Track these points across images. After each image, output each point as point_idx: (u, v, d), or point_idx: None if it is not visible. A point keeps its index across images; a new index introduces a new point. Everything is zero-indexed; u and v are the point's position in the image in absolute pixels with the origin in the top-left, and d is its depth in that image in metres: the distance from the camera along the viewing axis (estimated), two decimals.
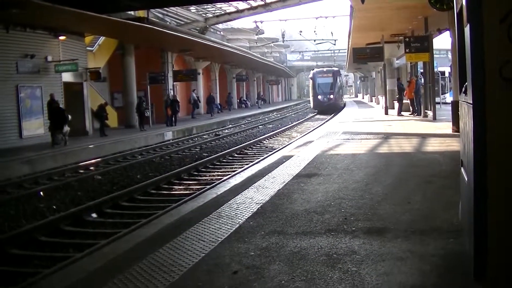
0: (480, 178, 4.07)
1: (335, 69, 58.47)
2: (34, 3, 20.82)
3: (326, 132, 21.26)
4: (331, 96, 53.00)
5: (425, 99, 28.79)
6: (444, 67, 47.50)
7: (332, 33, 60.10)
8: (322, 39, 62.04)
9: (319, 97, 53.44)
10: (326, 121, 35.86)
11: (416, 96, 30.30)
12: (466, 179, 4.71)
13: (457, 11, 5.16)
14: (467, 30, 4.23)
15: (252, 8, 42.08)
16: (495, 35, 3.94)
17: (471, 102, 4.10)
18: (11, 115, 24.85)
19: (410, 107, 31.55)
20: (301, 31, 58.67)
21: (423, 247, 5.71)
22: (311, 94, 56.53)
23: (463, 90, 4.95)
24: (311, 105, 56.29)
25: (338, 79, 55.33)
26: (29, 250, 9.77)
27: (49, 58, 27.44)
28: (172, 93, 39.69)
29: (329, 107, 51.12)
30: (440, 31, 25.88)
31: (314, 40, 61.52)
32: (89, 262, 5.99)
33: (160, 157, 22.77)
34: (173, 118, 36.12)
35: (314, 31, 54.90)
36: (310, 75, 58.03)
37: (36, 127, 26.28)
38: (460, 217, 5.88)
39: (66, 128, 24.82)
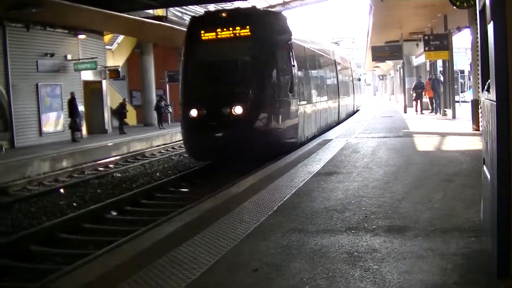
0: (504, 176, 4.04)
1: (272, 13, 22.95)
2: (54, 2, 20.97)
3: (344, 131, 21.19)
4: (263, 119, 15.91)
5: (445, 98, 28.62)
6: (461, 65, 46.94)
7: (350, 32, 57.52)
8: (341, 38, 61.14)
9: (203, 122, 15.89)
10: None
11: (435, 95, 30.17)
12: (488, 177, 4.68)
13: (479, 8, 5.13)
14: (490, 27, 4.20)
15: (270, 6, 42.04)
16: None
17: (495, 100, 4.07)
18: (31, 113, 25.06)
19: (430, 106, 31.42)
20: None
21: (444, 245, 5.67)
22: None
23: (485, 88, 4.91)
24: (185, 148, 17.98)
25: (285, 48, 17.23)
26: (49, 247, 9.84)
27: (69, 57, 27.63)
28: None
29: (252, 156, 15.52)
30: (459, 29, 25.70)
31: (333, 38, 59.55)
32: (109, 259, 6.00)
33: (179, 155, 22.84)
34: None
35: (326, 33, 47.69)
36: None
37: (55, 125, 26.47)
38: (481, 216, 5.84)
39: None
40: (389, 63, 48.49)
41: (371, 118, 29.19)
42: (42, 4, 20.74)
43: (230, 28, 15.94)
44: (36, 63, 25.44)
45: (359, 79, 47.46)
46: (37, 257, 9.38)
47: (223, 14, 16.60)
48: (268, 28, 16.71)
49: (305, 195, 8.70)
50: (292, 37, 17.32)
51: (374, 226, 6.60)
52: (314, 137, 19.19)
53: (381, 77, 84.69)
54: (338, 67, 29.15)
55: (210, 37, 16.15)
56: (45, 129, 25.69)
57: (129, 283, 4.99)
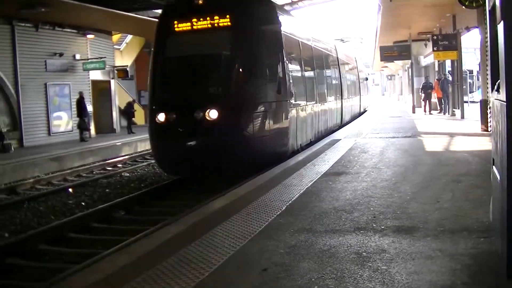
0: None
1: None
2: (63, 2, 21.03)
3: (353, 131, 21.17)
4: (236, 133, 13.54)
5: (453, 98, 28.54)
6: (470, 65, 46.72)
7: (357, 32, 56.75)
8: (349, 37, 60.86)
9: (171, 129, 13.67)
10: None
11: (444, 95, 30.11)
12: (498, 178, 4.66)
13: (489, 8, 5.12)
14: (500, 27, 4.19)
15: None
16: None
17: (505, 100, 4.06)
18: (40, 112, 25.21)
19: (438, 106, 31.36)
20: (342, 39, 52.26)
21: (453, 246, 5.66)
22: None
23: (495, 88, 4.90)
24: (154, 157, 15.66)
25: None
26: (58, 246, 9.86)
27: (77, 56, 27.74)
28: None
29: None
30: (468, 29, 25.64)
31: (342, 39, 59.13)
32: (118, 258, 6.02)
33: None
34: None
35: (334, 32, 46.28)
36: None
37: (64, 124, 26.57)
38: (491, 216, 5.83)
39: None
40: (398, 63, 48.39)
41: (379, 119, 29.16)
42: (51, 4, 20.80)
43: (208, 18, 13.71)
44: (45, 62, 25.55)
45: (367, 79, 45.47)
46: (45, 256, 9.41)
47: (200, 1, 13.93)
48: (252, 18, 14.47)
49: (314, 195, 8.69)
50: (282, 28, 14.99)
51: (382, 227, 6.59)
52: (311, 143, 17.10)
53: (389, 77, 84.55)
54: (342, 65, 26.83)
55: (184, 28, 13.97)
56: (53, 128, 25.82)
57: (138, 282, 5.00)
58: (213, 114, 12.83)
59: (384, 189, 8.94)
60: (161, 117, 13.38)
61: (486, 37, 17.06)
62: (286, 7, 29.38)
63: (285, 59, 14.72)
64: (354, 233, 6.38)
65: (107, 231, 10.82)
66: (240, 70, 13.68)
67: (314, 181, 10.01)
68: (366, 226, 6.64)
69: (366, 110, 40.22)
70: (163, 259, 5.64)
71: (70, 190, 15.47)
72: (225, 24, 13.68)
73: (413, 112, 33.10)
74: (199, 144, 13.23)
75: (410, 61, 35.49)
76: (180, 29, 14.03)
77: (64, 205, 13.48)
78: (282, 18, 15.47)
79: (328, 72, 22.89)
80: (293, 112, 15.09)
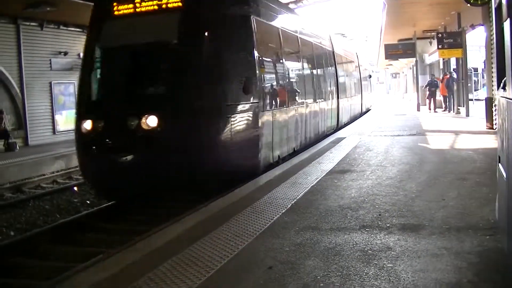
0: None
1: None
2: (68, 1, 21.04)
3: (357, 129, 21.15)
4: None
5: (458, 96, 28.49)
6: (474, 63, 46.54)
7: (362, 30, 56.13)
8: (353, 35, 60.67)
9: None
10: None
11: (448, 93, 30.06)
12: (504, 175, 4.65)
13: (495, 6, 5.11)
14: (506, 24, 4.17)
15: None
16: None
17: (511, 97, 4.05)
18: (45, 111, 25.25)
19: (443, 104, 31.30)
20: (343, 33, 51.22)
21: (458, 244, 5.66)
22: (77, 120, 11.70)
23: (501, 85, 4.89)
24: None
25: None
26: (63, 245, 9.84)
27: (82, 55, 27.68)
28: None
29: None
30: (473, 27, 25.58)
31: (343, 35, 58.42)
32: (123, 257, 6.02)
33: None
34: None
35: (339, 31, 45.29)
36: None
37: (69, 123, 26.58)
38: (496, 214, 5.81)
39: None
40: (402, 61, 48.28)
41: (384, 117, 29.10)
42: (56, 3, 20.82)
43: None
44: (50, 61, 25.56)
45: (370, 76, 43.63)
46: (50, 255, 9.40)
47: None
48: None
49: (319, 193, 8.70)
50: (254, 12, 12.20)
51: (388, 224, 6.60)
52: (296, 152, 14.54)
53: (394, 75, 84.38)
54: (339, 61, 23.76)
55: (124, 11, 11.10)
56: (58, 127, 25.83)
57: (144, 281, 5.01)
58: (151, 121, 10.07)
59: (390, 187, 8.94)
60: (87, 125, 10.62)
61: (492, 35, 17.04)
62: (291, 5, 29.09)
63: (256, 51, 11.80)
64: (360, 231, 6.39)
65: (112, 231, 10.78)
66: (191, 64, 10.65)
67: (319, 179, 10.01)
68: (371, 224, 6.65)
69: (370, 109, 38.84)
70: (169, 257, 5.65)
71: (76, 188, 15.48)
72: (175, 5, 10.85)
73: (418, 110, 33.02)
74: (133, 161, 10.23)
75: (414, 59, 35.39)
76: (120, 12, 11.18)
77: (69, 204, 13.50)
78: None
79: (320, 68, 19.69)
80: (266, 117, 12.23)
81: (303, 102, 16.12)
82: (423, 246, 5.64)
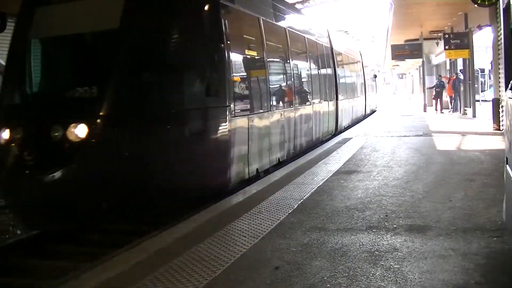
0: None
1: None
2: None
3: (364, 130, 21.13)
4: None
5: (465, 97, 28.44)
6: (481, 63, 46.34)
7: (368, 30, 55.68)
8: (360, 36, 60.42)
9: None
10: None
11: (454, 93, 30.02)
12: (511, 176, 4.65)
13: (503, 6, 5.11)
14: None
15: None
16: None
17: None
18: None
19: (449, 105, 31.26)
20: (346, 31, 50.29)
21: (465, 245, 5.65)
22: None
23: (509, 86, 4.88)
24: None
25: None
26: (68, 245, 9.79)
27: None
28: None
29: None
30: (480, 27, 25.53)
31: (352, 36, 57.82)
32: (130, 257, 6.02)
33: None
34: None
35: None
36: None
37: None
38: (504, 216, 5.80)
39: None
40: (409, 61, 48.21)
41: (390, 118, 29.06)
42: None
43: None
44: None
45: (375, 76, 42.13)
46: (57, 255, 9.36)
47: None
48: None
49: (326, 194, 8.69)
50: None
51: (395, 225, 6.59)
52: (282, 164, 12.66)
53: (400, 76, 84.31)
54: (338, 59, 21.69)
55: None
56: None
57: (150, 280, 5.01)
58: (80, 131, 7.81)
59: (396, 188, 8.93)
60: (5, 134, 8.30)
61: (499, 36, 17.04)
62: (298, 5, 28.67)
63: (225, 43, 9.76)
64: (366, 231, 6.38)
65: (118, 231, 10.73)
66: (134, 58, 8.48)
67: (325, 179, 10.00)
68: (378, 225, 6.64)
69: (375, 111, 37.49)
70: (175, 256, 5.65)
71: None
72: None
73: (424, 111, 32.99)
74: (59, 181, 7.83)
75: (421, 59, 35.36)
76: None
77: None
78: None
79: (314, 67, 17.34)
80: (240, 123, 10.24)
81: (292, 104, 14.02)
82: (430, 247, 5.63)
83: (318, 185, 9.47)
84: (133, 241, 8.76)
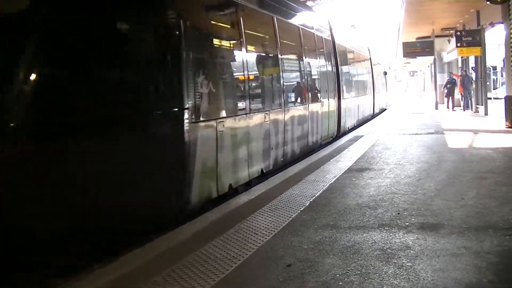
0: None
1: None
2: None
3: (375, 127, 21.10)
4: None
5: (477, 94, 28.33)
6: (492, 61, 46.06)
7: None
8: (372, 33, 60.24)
9: None
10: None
11: (464, 92, 29.92)
12: None
13: None
14: None
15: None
16: None
17: None
18: None
19: (461, 102, 31.17)
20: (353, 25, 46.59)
21: (478, 243, 5.64)
22: None
23: None
24: None
25: None
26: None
27: None
28: None
29: None
30: (492, 25, 25.41)
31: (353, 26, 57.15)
32: (141, 255, 6.01)
33: None
34: None
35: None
36: None
37: None
38: None
39: None
40: (420, 59, 48.05)
41: (401, 115, 28.99)
42: None
43: None
44: None
45: (386, 73, 40.98)
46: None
47: None
48: None
49: (337, 191, 8.69)
50: None
51: (407, 223, 6.58)
52: (266, 175, 10.82)
53: (411, 73, 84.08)
54: (341, 54, 19.66)
55: None
56: None
57: (163, 277, 5.03)
58: None
59: (408, 186, 8.92)
60: None
61: None
62: (309, 2, 28.09)
63: (180, 26, 7.48)
64: (379, 229, 6.38)
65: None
66: (46, 48, 5.82)
67: (337, 177, 10.00)
68: (390, 223, 6.63)
69: (385, 109, 36.74)
70: (188, 254, 5.66)
71: None
72: None
73: (436, 108, 32.92)
74: None
75: (433, 57, 35.24)
76: None
77: None
78: None
79: (310, 61, 15.38)
80: (204, 130, 8.09)
81: (280, 105, 11.91)
82: (442, 245, 5.62)
83: (330, 182, 9.47)
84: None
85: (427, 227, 6.36)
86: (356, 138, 16.71)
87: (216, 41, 9.24)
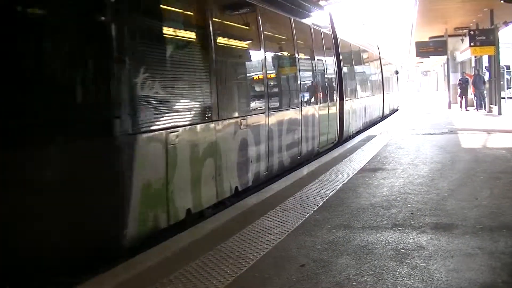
0: None
1: None
2: None
3: (388, 127, 21.05)
4: None
5: (490, 94, 28.20)
6: (505, 60, 45.79)
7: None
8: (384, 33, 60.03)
9: None
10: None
11: (476, 91, 29.79)
12: None
13: None
14: None
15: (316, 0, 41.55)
16: None
17: None
18: None
19: (474, 102, 31.04)
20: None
21: (492, 244, 5.62)
22: None
23: None
24: None
25: None
26: None
27: None
28: None
29: None
30: (506, 24, 25.32)
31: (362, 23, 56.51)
32: (154, 255, 6.00)
33: None
34: None
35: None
36: None
37: None
38: None
39: None
40: (433, 59, 47.86)
41: (414, 115, 28.88)
42: None
43: None
44: None
45: (397, 72, 39.38)
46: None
47: None
48: None
49: (351, 191, 8.69)
50: None
51: (420, 223, 6.57)
52: (247, 192, 9.39)
53: (424, 73, 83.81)
54: (345, 52, 18.09)
55: None
56: None
57: (176, 276, 5.04)
58: None
59: (421, 186, 8.90)
60: None
61: None
62: (322, 2, 27.32)
63: (127, 13, 6.05)
64: (392, 229, 6.37)
65: None
66: None
67: (350, 177, 10.00)
68: (403, 223, 6.62)
69: (397, 110, 35.63)
70: (201, 253, 5.67)
71: None
72: None
73: (449, 108, 32.79)
74: None
75: (446, 56, 35.10)
76: None
77: None
78: None
79: (305, 59, 13.87)
80: (147, 144, 6.33)
81: (264, 108, 10.24)
82: (456, 246, 5.61)
83: (343, 182, 9.47)
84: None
85: (441, 227, 6.35)
86: (369, 138, 16.68)
87: (167, 31, 7.25)
